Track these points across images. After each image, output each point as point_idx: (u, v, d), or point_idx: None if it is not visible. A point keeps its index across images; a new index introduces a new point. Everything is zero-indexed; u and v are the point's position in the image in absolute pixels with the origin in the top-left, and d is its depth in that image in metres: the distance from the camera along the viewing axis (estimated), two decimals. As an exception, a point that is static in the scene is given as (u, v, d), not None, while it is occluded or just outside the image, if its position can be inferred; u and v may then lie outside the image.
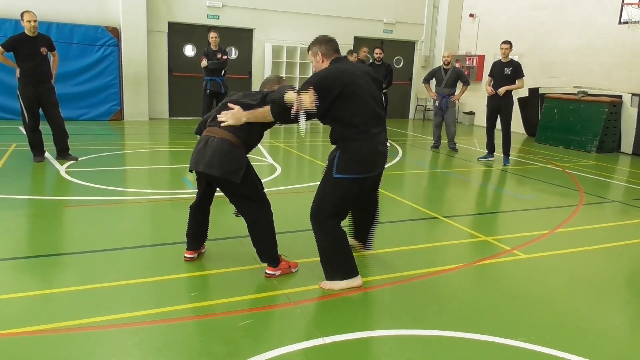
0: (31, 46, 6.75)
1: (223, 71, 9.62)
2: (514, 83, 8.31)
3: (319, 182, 3.46)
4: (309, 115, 3.18)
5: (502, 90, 8.27)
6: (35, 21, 6.75)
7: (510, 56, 8.44)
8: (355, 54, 9.72)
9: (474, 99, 14.20)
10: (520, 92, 11.11)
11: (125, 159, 7.91)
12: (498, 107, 8.46)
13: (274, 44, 13.23)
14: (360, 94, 3.26)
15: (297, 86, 3.59)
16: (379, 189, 3.97)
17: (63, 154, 7.21)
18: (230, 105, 3.40)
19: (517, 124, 11.98)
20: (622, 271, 4.10)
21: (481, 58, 14.04)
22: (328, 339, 2.79)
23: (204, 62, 9.42)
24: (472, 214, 5.70)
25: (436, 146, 9.79)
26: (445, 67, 9.56)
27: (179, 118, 12.81)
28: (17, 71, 6.82)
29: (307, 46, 3.54)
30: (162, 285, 3.43)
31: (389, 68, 9.88)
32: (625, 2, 10.68)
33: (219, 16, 12.69)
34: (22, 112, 6.92)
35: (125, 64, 11.71)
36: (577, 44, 11.71)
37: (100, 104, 11.76)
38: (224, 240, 4.23)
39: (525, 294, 3.52)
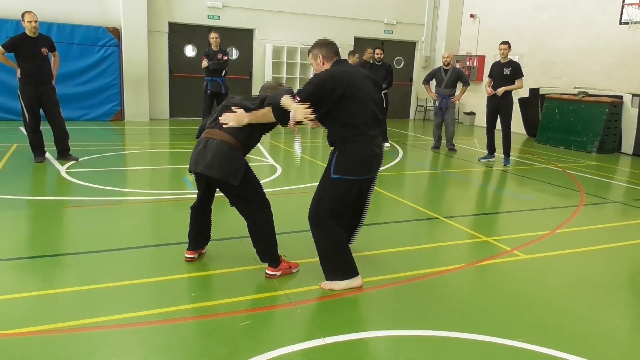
0: (32, 47, 6.76)
1: (224, 72, 9.62)
2: (514, 83, 8.31)
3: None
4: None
5: (500, 91, 8.27)
6: (36, 22, 6.76)
7: (510, 56, 8.45)
8: (356, 55, 9.71)
9: (475, 100, 14.20)
10: (520, 92, 11.12)
11: (125, 159, 7.91)
12: (497, 107, 8.46)
13: (275, 45, 13.23)
14: (361, 96, 3.29)
15: (298, 87, 3.60)
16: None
17: (64, 154, 7.22)
18: (233, 108, 3.43)
19: (517, 125, 11.98)
20: (623, 272, 4.10)
21: (482, 58, 14.04)
22: (328, 339, 2.79)
23: (205, 63, 9.43)
24: (473, 214, 5.70)
25: (437, 147, 9.79)
26: (445, 67, 9.56)
27: (180, 118, 12.81)
28: (18, 71, 6.82)
29: (308, 47, 3.56)
30: (163, 285, 3.43)
31: (389, 68, 9.87)
32: (625, 2, 10.68)
33: (219, 17, 12.70)
34: (23, 113, 6.93)
35: (125, 65, 11.71)
36: (577, 44, 11.71)
37: (101, 105, 11.76)
38: (224, 241, 4.23)
39: (526, 295, 3.52)
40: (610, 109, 10.11)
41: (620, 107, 10.25)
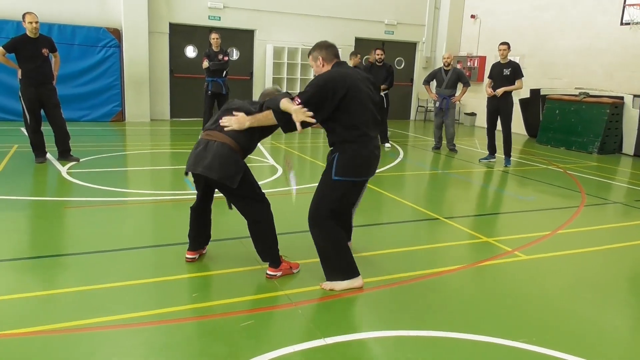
0: (33, 47, 6.77)
1: (224, 72, 9.62)
2: (514, 84, 8.30)
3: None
4: (308, 123, 3.22)
5: (500, 91, 8.27)
6: (36, 22, 6.76)
7: (510, 57, 8.44)
8: (358, 56, 9.71)
9: (475, 100, 14.19)
10: (521, 93, 11.11)
11: (126, 160, 7.92)
12: (497, 108, 8.46)
13: (275, 45, 13.23)
14: (361, 97, 3.32)
15: (299, 88, 3.64)
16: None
17: (65, 155, 7.23)
18: (235, 112, 3.45)
19: (518, 125, 11.98)
20: (623, 272, 4.10)
21: (482, 59, 14.04)
22: (329, 340, 2.79)
23: (205, 64, 9.43)
24: (473, 215, 5.70)
25: (437, 147, 9.79)
26: (445, 68, 9.56)
27: (180, 119, 12.82)
28: (19, 72, 6.83)
29: (309, 48, 3.58)
30: (163, 286, 3.43)
31: (390, 69, 9.87)
32: (627, 3, 10.68)
33: (220, 17, 12.71)
34: (24, 114, 6.94)
35: (126, 65, 11.72)
36: (578, 45, 11.70)
37: (102, 105, 11.77)
38: (224, 241, 4.23)
39: (527, 295, 3.52)
40: (611, 110, 10.10)
41: (621, 108, 10.24)
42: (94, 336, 2.77)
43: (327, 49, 3.45)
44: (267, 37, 13.28)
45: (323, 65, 3.44)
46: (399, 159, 8.67)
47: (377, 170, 3.58)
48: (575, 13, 11.77)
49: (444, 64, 9.56)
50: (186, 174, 3.51)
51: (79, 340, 2.73)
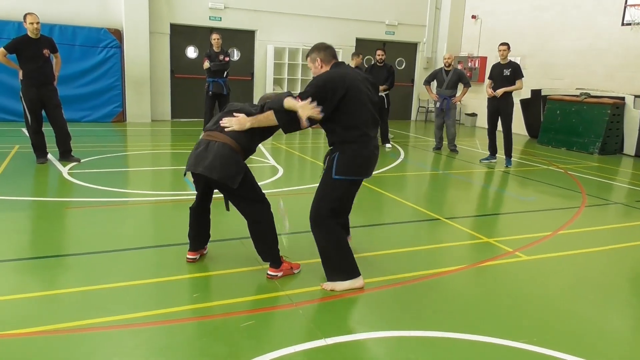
0: (34, 48, 6.77)
1: (225, 73, 9.63)
2: (514, 84, 8.30)
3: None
4: (311, 122, 3.22)
5: (499, 92, 8.27)
6: (37, 23, 6.77)
7: (511, 57, 8.44)
8: (360, 56, 9.71)
9: (476, 101, 14.19)
10: (522, 93, 11.11)
11: (127, 160, 7.92)
12: (498, 108, 8.46)
13: (276, 46, 13.24)
14: (361, 97, 3.34)
15: (299, 88, 3.65)
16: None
17: (66, 155, 7.23)
18: (235, 114, 3.46)
19: (519, 126, 11.97)
20: (624, 273, 4.09)
21: (483, 59, 14.03)
22: (330, 340, 2.79)
23: (206, 64, 9.44)
24: (474, 215, 5.70)
25: (438, 148, 9.79)
26: (446, 68, 9.56)
27: (181, 120, 12.83)
28: (20, 73, 6.84)
29: (309, 48, 3.60)
30: (164, 286, 3.44)
31: (390, 69, 9.88)
32: (628, 3, 10.67)
33: (221, 18, 12.71)
34: (25, 114, 6.94)
35: (127, 66, 11.73)
36: (579, 45, 11.70)
37: (103, 106, 11.78)
38: (225, 242, 4.24)
39: (527, 296, 3.52)
40: (612, 110, 10.09)
41: (623, 109, 10.23)
42: (95, 336, 2.77)
43: (325, 50, 3.47)
44: (268, 38, 13.29)
45: (321, 67, 3.46)
46: (399, 160, 8.67)
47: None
48: (576, 13, 11.77)
49: (445, 65, 9.57)
50: (185, 174, 3.52)
51: (80, 341, 2.73)
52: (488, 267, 4.03)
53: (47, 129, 7.10)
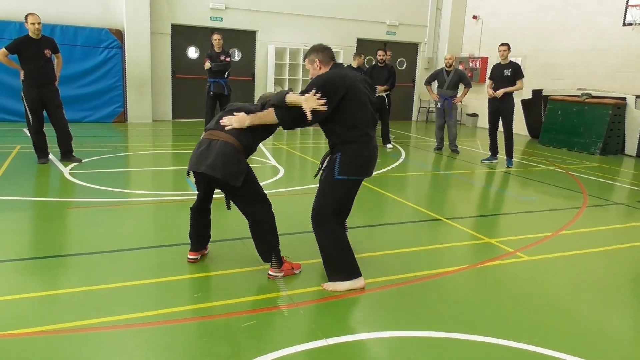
0: (35, 48, 6.78)
1: (226, 73, 9.62)
2: (514, 84, 8.30)
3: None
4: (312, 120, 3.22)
5: (499, 92, 8.27)
6: (39, 23, 6.78)
7: (512, 58, 8.43)
8: (362, 56, 9.71)
9: (477, 101, 14.19)
10: (523, 94, 11.10)
11: (128, 160, 7.93)
12: (498, 109, 8.46)
13: (277, 46, 13.25)
14: (361, 97, 3.36)
15: (300, 88, 3.65)
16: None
17: (67, 155, 7.24)
18: (235, 113, 3.46)
19: (520, 126, 11.97)
20: (625, 274, 4.09)
21: (484, 60, 14.03)
22: (331, 340, 2.79)
23: (207, 64, 9.43)
24: (475, 215, 5.70)
25: (439, 148, 9.78)
26: (447, 69, 9.55)
27: (182, 120, 12.84)
28: (21, 73, 6.85)
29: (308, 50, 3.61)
30: (165, 286, 3.44)
31: (391, 70, 9.88)
32: (629, 3, 10.67)
33: (222, 18, 12.72)
34: (26, 114, 6.95)
35: (128, 66, 11.74)
36: (580, 45, 11.69)
37: (104, 106, 11.80)
38: (226, 242, 4.24)
39: (528, 296, 3.51)
40: (613, 111, 10.09)
41: (624, 109, 10.23)
42: (96, 336, 2.77)
43: (323, 51, 3.48)
44: (269, 38, 13.30)
45: (320, 68, 3.47)
46: (400, 160, 8.67)
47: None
48: (577, 14, 11.76)
49: (446, 65, 9.56)
50: (188, 173, 3.51)
51: (81, 341, 2.73)
52: (489, 267, 4.03)
53: (49, 129, 7.11)
